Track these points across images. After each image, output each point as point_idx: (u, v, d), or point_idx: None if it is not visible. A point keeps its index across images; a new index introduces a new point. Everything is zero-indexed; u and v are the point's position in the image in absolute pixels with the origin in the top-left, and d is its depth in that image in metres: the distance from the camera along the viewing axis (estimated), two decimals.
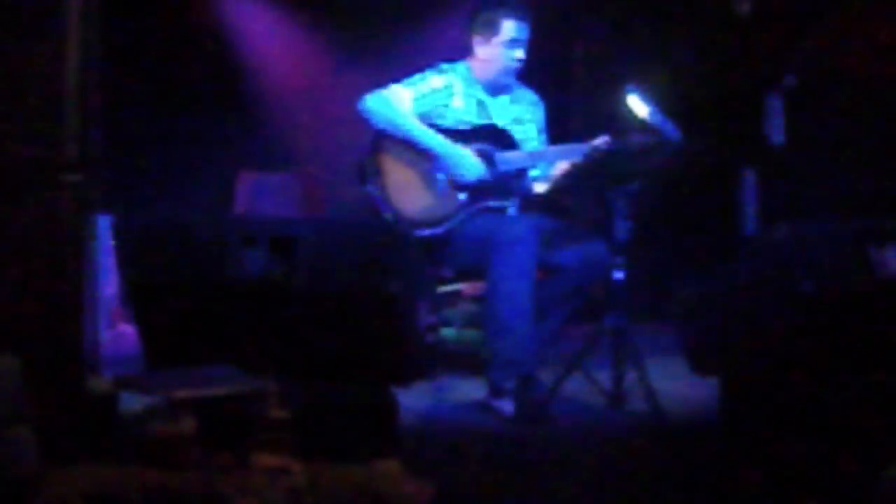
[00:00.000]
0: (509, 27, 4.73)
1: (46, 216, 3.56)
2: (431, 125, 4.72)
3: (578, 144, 4.56)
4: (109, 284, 5.54)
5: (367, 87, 4.77)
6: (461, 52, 4.88)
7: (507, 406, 4.35)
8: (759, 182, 6.59)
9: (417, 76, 4.81)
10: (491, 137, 4.73)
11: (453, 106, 4.78)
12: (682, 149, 4.30)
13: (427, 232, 4.59)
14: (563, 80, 6.82)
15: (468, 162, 4.65)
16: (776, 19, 6.40)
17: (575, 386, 4.42)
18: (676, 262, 5.97)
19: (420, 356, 4.28)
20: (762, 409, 3.50)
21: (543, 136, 4.94)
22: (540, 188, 4.84)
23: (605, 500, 3.35)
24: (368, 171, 4.67)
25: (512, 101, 4.91)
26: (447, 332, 5.36)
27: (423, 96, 4.76)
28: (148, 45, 6.51)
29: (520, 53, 4.76)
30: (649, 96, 4.31)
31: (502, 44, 4.75)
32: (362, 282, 3.50)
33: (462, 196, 4.67)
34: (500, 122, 4.82)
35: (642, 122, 4.31)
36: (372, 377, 3.57)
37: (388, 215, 4.59)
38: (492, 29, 4.75)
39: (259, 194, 6.65)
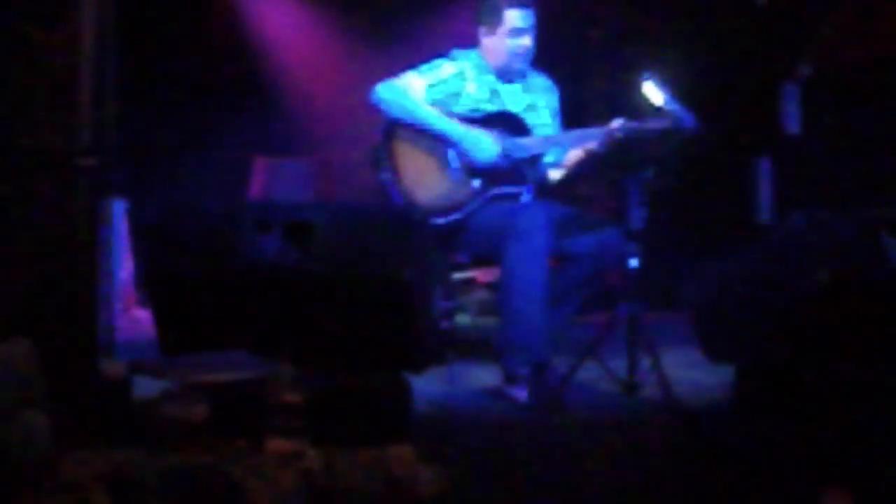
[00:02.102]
0: (512, 17, 4.71)
1: (61, 201, 3.57)
2: (446, 113, 4.71)
3: (593, 129, 4.55)
4: (124, 269, 5.58)
5: (382, 73, 4.76)
6: (475, 40, 4.87)
7: (520, 393, 4.34)
8: (774, 171, 6.59)
9: (429, 64, 4.79)
10: (504, 124, 4.71)
11: (467, 92, 4.77)
12: (698, 137, 4.29)
13: (441, 220, 4.58)
14: (579, 68, 6.81)
15: (484, 143, 4.64)
16: (792, 8, 6.39)
17: (589, 373, 4.41)
18: (691, 250, 5.96)
19: (434, 342, 4.28)
20: (776, 398, 3.50)
21: (558, 121, 4.92)
22: (555, 175, 4.83)
23: (618, 487, 3.35)
24: (381, 159, 4.66)
25: (525, 89, 4.89)
26: (462, 319, 5.36)
27: (436, 84, 4.75)
28: (164, 32, 6.53)
29: (525, 41, 4.74)
30: (665, 84, 4.30)
31: (506, 33, 4.73)
32: (376, 268, 3.50)
33: (475, 183, 4.66)
34: (514, 110, 4.80)
35: (658, 109, 4.30)
36: (386, 363, 3.57)
37: (401, 203, 4.58)
38: (495, 19, 4.74)
39: (274, 180, 6.67)
